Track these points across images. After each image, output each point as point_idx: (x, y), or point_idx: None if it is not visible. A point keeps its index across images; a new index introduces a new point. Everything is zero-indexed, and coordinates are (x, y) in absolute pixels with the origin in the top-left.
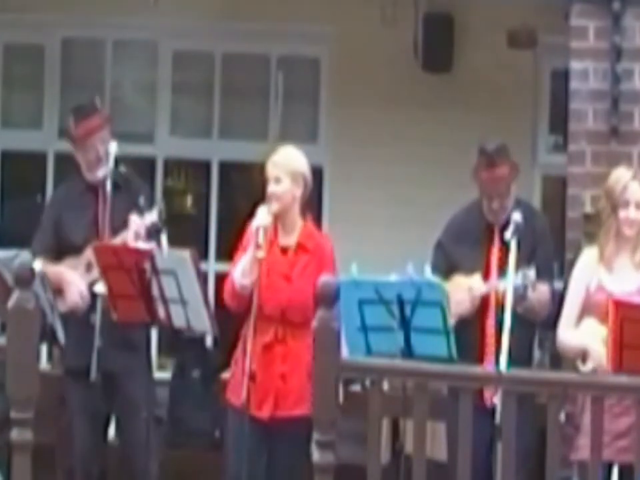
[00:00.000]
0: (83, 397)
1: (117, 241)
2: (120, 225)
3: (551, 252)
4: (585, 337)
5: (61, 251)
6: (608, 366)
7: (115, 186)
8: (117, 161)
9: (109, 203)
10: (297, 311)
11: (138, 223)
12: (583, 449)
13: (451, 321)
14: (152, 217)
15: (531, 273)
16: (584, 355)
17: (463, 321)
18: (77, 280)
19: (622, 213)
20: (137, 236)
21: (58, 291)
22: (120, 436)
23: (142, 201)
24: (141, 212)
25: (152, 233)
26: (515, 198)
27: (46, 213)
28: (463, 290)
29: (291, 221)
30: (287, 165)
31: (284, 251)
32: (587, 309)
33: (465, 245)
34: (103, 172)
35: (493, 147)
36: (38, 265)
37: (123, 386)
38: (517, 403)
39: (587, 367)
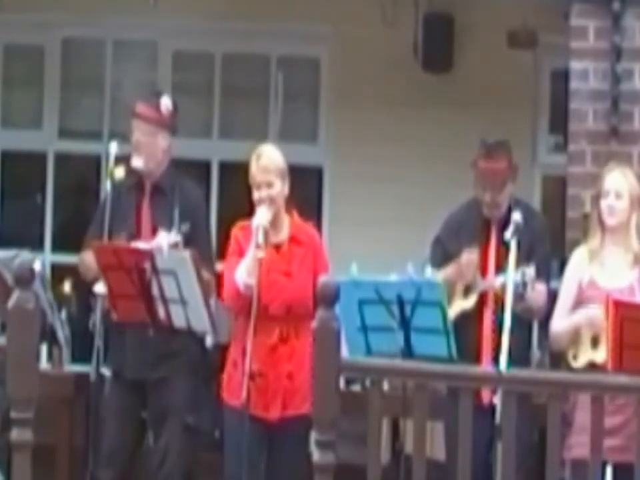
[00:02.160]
0: (117, 399)
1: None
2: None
3: (548, 252)
4: (576, 316)
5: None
6: (607, 355)
7: (161, 191)
8: (116, 161)
9: (149, 208)
10: (302, 305)
11: (163, 240)
12: (575, 447)
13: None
14: (176, 237)
15: (531, 270)
16: (576, 336)
17: (461, 320)
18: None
19: (603, 203)
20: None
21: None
22: (153, 441)
23: (177, 214)
24: (171, 224)
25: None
26: (514, 198)
27: (99, 205)
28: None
29: (280, 218)
30: (275, 166)
31: (277, 247)
32: (579, 305)
33: (463, 241)
34: (139, 163)
35: (494, 140)
36: (38, 264)
37: (159, 392)
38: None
39: (578, 363)
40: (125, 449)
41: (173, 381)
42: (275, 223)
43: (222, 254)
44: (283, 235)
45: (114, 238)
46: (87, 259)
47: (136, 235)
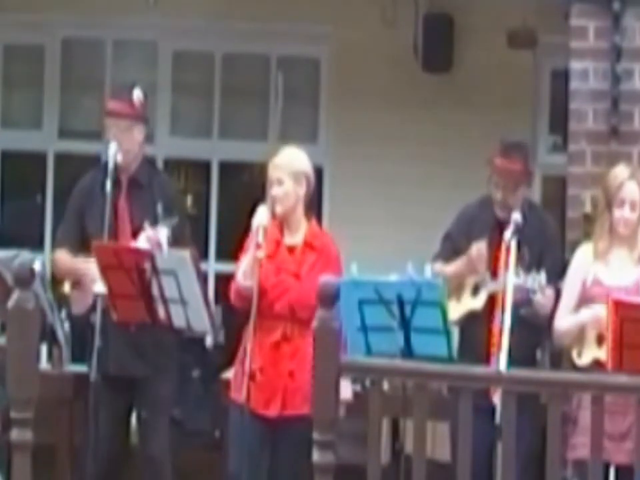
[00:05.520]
0: (105, 396)
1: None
2: (140, 224)
3: (558, 258)
4: (580, 315)
5: (83, 241)
6: (607, 355)
7: (139, 185)
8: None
9: (125, 203)
10: (307, 308)
11: (150, 236)
12: (579, 447)
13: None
14: (162, 232)
15: (541, 277)
16: (580, 336)
17: (471, 320)
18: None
19: (617, 212)
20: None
21: (76, 284)
22: (140, 437)
23: (160, 208)
24: (156, 220)
25: (159, 246)
26: (529, 202)
27: (70, 201)
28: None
29: (296, 221)
30: (288, 166)
31: (290, 250)
32: (583, 303)
33: (473, 238)
34: (118, 158)
35: (513, 140)
36: (38, 264)
37: (149, 388)
38: (521, 404)
39: (583, 361)
40: (109, 446)
41: (158, 377)
42: (290, 224)
43: (221, 254)
44: (298, 238)
45: (92, 237)
46: (61, 259)
47: (114, 230)
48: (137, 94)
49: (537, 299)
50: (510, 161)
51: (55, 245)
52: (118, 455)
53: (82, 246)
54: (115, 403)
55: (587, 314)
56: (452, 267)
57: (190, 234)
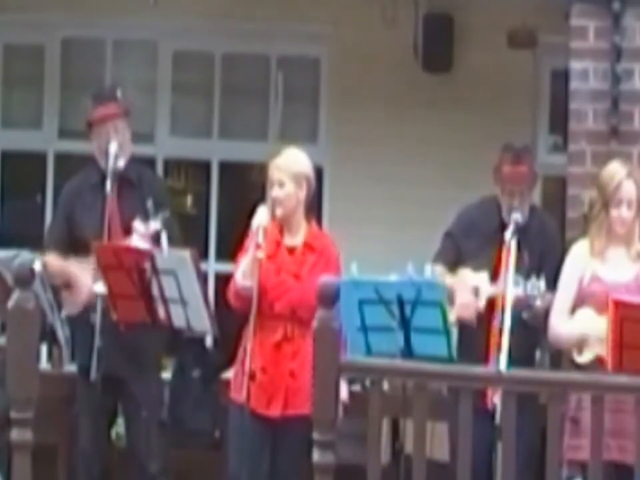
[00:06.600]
0: (90, 396)
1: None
2: (131, 222)
3: (559, 260)
4: (581, 324)
5: (72, 243)
6: (607, 355)
7: (129, 182)
8: (117, 159)
9: (116, 201)
10: (307, 308)
11: (141, 231)
12: (585, 449)
13: (452, 318)
14: (155, 225)
15: (541, 283)
16: (580, 344)
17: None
18: (87, 284)
19: (614, 212)
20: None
21: (66, 286)
22: (126, 436)
23: (149, 204)
24: (146, 215)
25: (154, 240)
26: (530, 204)
27: (59, 203)
28: (469, 290)
29: (297, 222)
30: (289, 168)
31: (290, 251)
32: (582, 300)
33: (476, 240)
34: (121, 164)
35: (519, 145)
36: (38, 264)
37: (131, 388)
38: (520, 404)
39: (584, 358)
40: (100, 447)
41: (145, 378)
42: (290, 225)
43: (221, 254)
44: (298, 239)
45: (85, 237)
46: (50, 263)
47: (107, 229)
48: (119, 92)
49: (537, 305)
50: (521, 166)
51: (43, 247)
52: (103, 455)
53: (70, 248)
54: (100, 402)
55: (590, 332)
56: (449, 281)
57: (179, 230)
